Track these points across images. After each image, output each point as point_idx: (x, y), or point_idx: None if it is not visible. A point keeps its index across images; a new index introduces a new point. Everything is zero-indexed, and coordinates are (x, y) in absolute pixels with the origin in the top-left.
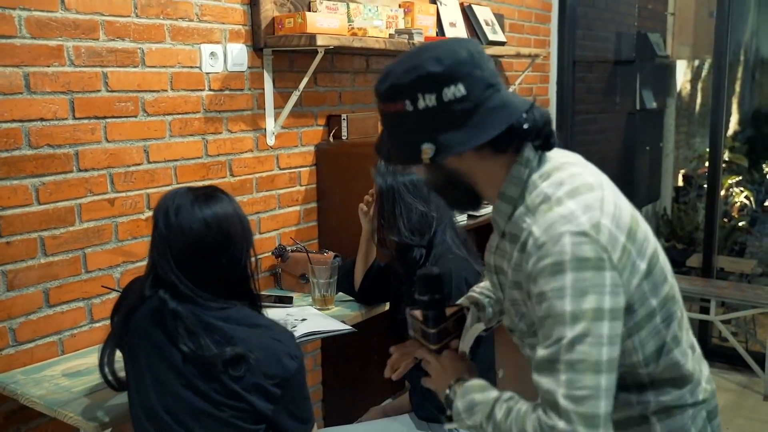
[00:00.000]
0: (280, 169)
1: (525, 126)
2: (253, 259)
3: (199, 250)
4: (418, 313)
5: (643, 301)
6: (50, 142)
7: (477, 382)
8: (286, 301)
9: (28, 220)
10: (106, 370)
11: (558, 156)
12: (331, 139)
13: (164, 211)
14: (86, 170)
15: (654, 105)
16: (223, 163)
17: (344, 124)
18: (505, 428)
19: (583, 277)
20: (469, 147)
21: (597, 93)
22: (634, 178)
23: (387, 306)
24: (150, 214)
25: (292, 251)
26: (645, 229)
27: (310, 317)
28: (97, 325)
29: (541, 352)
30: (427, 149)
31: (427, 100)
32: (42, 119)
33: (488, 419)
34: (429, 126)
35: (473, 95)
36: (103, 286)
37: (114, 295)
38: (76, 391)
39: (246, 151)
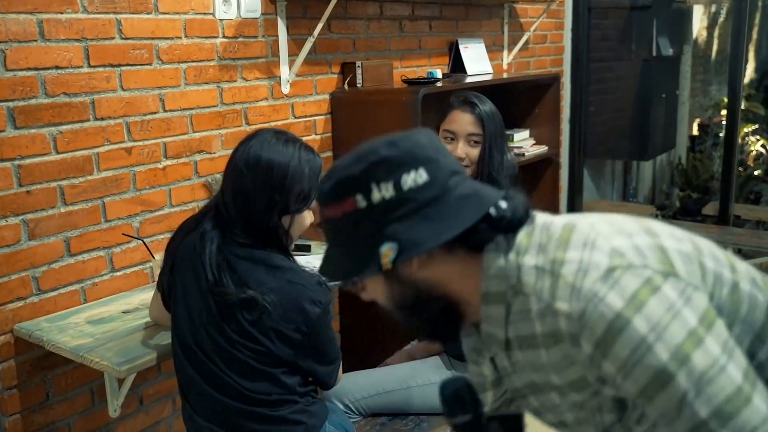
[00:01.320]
0: (295, 117)
1: (504, 213)
2: (289, 219)
3: (236, 183)
4: None
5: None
6: (66, 91)
7: None
8: (304, 249)
9: (46, 169)
10: (164, 287)
11: (537, 220)
12: (346, 87)
13: (241, 142)
14: (103, 119)
15: (670, 52)
16: (238, 111)
17: (359, 71)
18: None
19: (651, 310)
20: (439, 242)
21: (612, 40)
22: (649, 127)
23: None
24: (167, 162)
25: None
26: (662, 229)
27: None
28: (118, 273)
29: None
30: (388, 250)
31: (383, 191)
32: (57, 67)
33: None
34: (387, 221)
35: (437, 182)
36: (124, 234)
37: (134, 244)
38: (99, 337)
39: (261, 100)
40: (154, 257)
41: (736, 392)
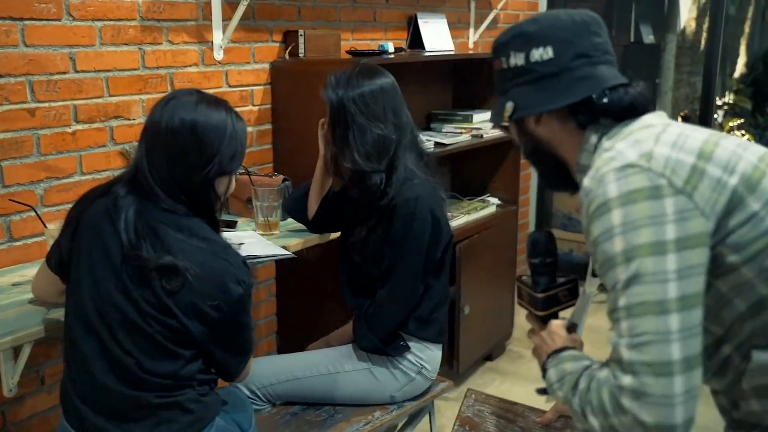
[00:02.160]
0: (230, 86)
1: (604, 101)
2: (225, 182)
3: (167, 147)
4: (526, 278)
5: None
6: None
7: (572, 352)
8: (231, 225)
9: None
10: (54, 259)
11: (644, 118)
12: (287, 56)
13: (158, 102)
14: (1, 76)
15: (652, 39)
16: (163, 76)
17: (301, 40)
18: (587, 399)
19: (634, 210)
20: (542, 110)
21: None
22: None
23: (337, 235)
24: (77, 127)
25: (240, 173)
26: (732, 149)
27: (249, 242)
28: (17, 243)
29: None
30: (509, 107)
31: (515, 59)
32: None
33: (573, 390)
34: (513, 84)
35: (560, 61)
36: (11, 200)
37: (33, 213)
38: None
39: (190, 65)
40: (46, 226)
41: (657, 303)
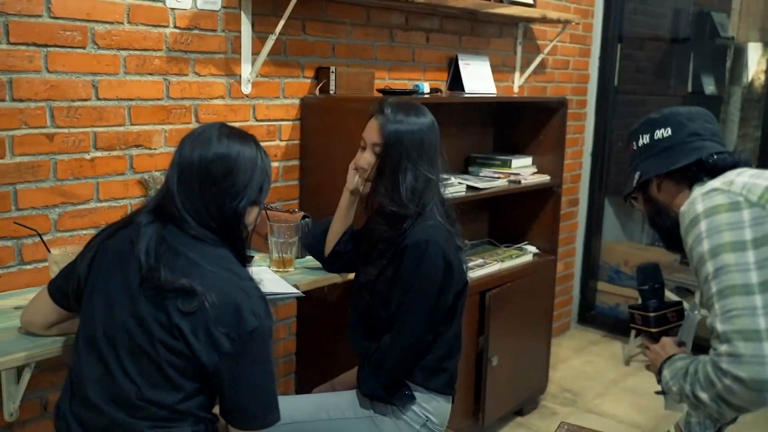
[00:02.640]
0: (257, 120)
1: (711, 161)
2: (255, 212)
3: (201, 177)
4: (636, 304)
5: None
6: None
7: (682, 355)
8: (247, 259)
9: None
10: (57, 285)
11: (742, 170)
12: (317, 93)
13: (189, 135)
14: (21, 100)
15: (713, 90)
16: (187, 107)
17: (332, 77)
18: (696, 378)
19: (717, 219)
20: (661, 171)
21: (647, 73)
22: None
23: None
24: (96, 154)
25: (265, 209)
26: None
27: (260, 278)
28: (28, 267)
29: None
30: (636, 177)
31: (643, 139)
32: None
33: (684, 378)
34: (641, 159)
35: (677, 137)
36: (15, 223)
37: (50, 237)
38: None
39: (216, 97)
40: (50, 251)
41: (742, 286)
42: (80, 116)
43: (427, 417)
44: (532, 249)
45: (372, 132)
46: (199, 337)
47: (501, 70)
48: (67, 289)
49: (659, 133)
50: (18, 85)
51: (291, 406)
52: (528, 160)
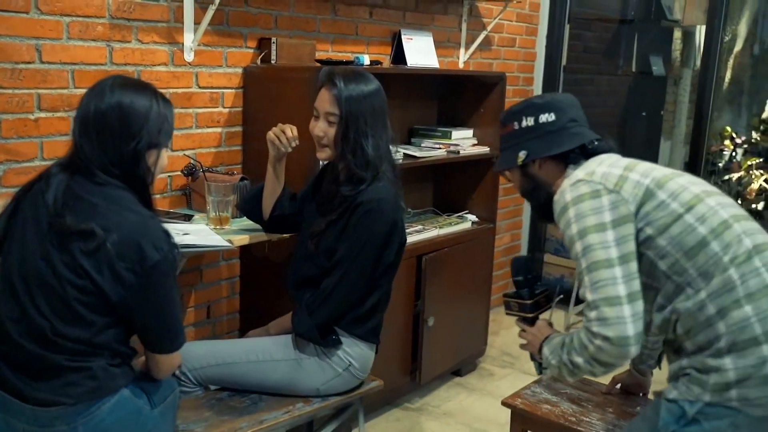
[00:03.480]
0: (200, 87)
1: (591, 147)
2: (154, 155)
3: (98, 126)
4: (511, 292)
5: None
6: None
7: (557, 334)
8: (187, 218)
9: None
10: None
11: (600, 156)
12: (259, 62)
13: (88, 89)
14: None
15: (662, 71)
16: (130, 73)
17: (273, 47)
18: (571, 346)
19: (582, 207)
20: (549, 153)
21: (595, 53)
22: (629, 145)
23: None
24: (40, 114)
25: (203, 171)
26: (648, 165)
27: (194, 232)
28: None
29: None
30: (521, 155)
31: (527, 121)
32: None
33: (562, 347)
34: (524, 139)
35: (559, 122)
36: None
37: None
38: None
39: (159, 64)
40: None
41: (605, 260)
42: (24, 78)
43: (350, 362)
44: (472, 217)
45: (325, 102)
46: (104, 274)
47: (446, 45)
48: None
49: (543, 117)
50: None
51: (225, 348)
52: (469, 132)
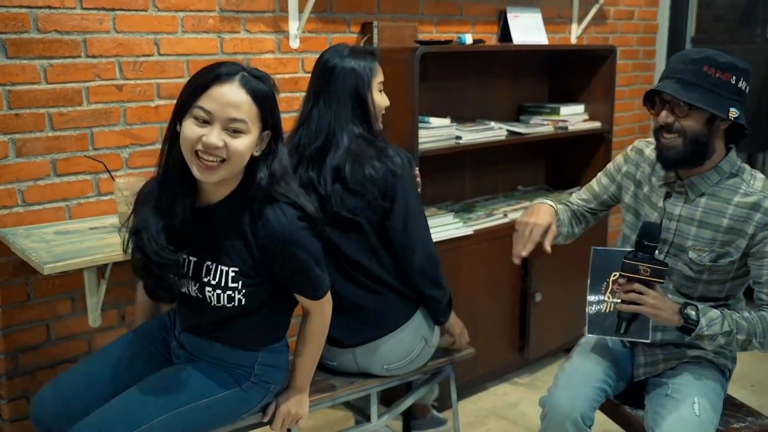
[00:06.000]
0: (305, 72)
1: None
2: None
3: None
4: (639, 255)
5: None
6: (58, 28)
7: (704, 305)
8: None
9: (35, 97)
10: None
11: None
12: (362, 45)
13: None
14: (94, 57)
15: None
16: (240, 61)
17: (375, 31)
18: (745, 325)
19: None
20: (745, 128)
21: (728, 21)
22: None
23: None
24: (160, 102)
25: None
26: None
27: None
28: (105, 198)
29: None
30: (734, 111)
31: (742, 85)
32: (49, 7)
33: (736, 327)
34: (736, 99)
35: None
36: (87, 157)
37: (122, 171)
38: (54, 243)
39: (266, 52)
40: (114, 180)
41: None
42: (144, 69)
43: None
44: None
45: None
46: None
47: (557, 21)
48: None
49: (747, 90)
50: (91, 43)
51: None
52: (580, 108)
